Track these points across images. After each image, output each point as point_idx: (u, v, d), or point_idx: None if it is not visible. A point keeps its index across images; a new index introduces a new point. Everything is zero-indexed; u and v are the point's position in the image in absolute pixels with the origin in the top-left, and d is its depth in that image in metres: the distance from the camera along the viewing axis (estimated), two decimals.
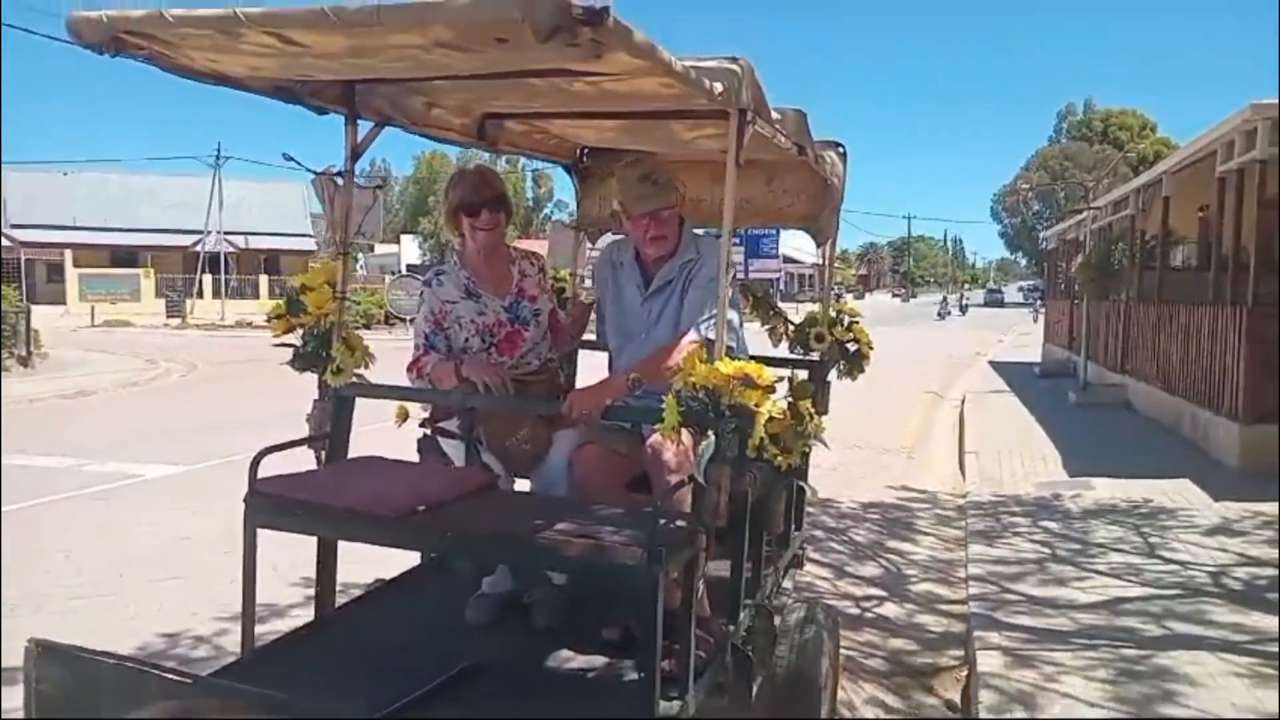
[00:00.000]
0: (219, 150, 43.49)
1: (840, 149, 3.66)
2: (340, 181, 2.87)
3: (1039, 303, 44.26)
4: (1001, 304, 68.83)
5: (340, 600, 2.92)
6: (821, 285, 4.71)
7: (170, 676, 1.82)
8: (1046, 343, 21.87)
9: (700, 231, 3.35)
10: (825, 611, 3.53)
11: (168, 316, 40.24)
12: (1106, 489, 8.33)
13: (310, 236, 51.26)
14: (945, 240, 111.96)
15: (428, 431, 3.14)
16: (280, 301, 2.94)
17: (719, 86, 2.16)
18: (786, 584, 3.78)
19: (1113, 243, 15.65)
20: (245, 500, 2.50)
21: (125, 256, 45.36)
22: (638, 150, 3.88)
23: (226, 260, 44.28)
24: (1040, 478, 9.06)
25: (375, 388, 2.95)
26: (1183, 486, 8.32)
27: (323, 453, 2.84)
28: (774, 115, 2.67)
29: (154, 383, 17.47)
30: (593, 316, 3.54)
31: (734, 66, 2.18)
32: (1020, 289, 73.95)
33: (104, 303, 40.65)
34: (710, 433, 2.28)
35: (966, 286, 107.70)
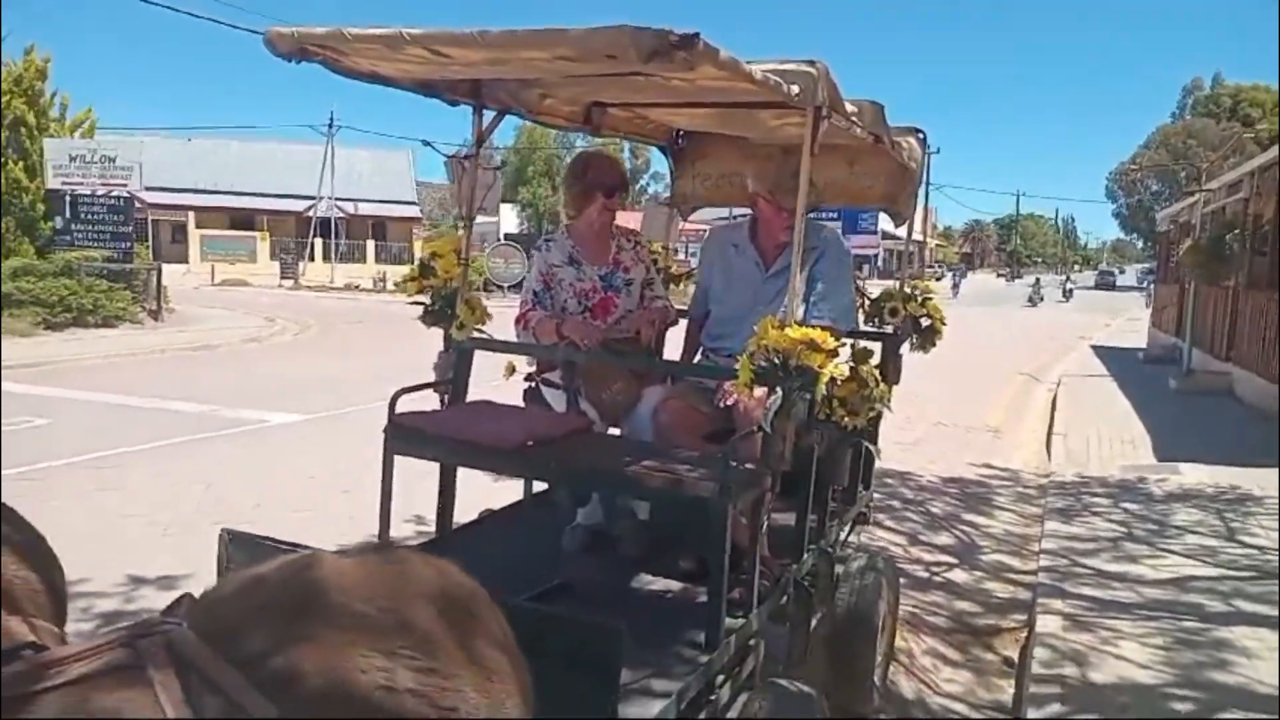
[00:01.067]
0: (332, 119, 45.24)
1: (920, 135, 3.91)
2: (467, 165, 3.29)
3: (1151, 287, 42.36)
4: (1113, 287, 66.13)
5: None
6: (917, 263, 4.96)
7: (332, 555, 2.26)
8: (1153, 328, 21.25)
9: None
10: (886, 562, 3.85)
11: (281, 277, 42.19)
12: (1193, 474, 8.30)
13: (415, 204, 53.00)
14: (1056, 219, 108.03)
15: (533, 384, 3.57)
16: (413, 267, 3.39)
17: (795, 88, 2.48)
18: (852, 538, 4.09)
19: (1225, 227, 15.16)
20: (385, 431, 2.96)
21: (243, 220, 47.59)
22: (730, 134, 4.21)
23: (337, 225, 46.06)
24: (1128, 460, 9.06)
25: (491, 342, 3.38)
26: (1273, 475, 8.23)
27: (445, 396, 3.28)
28: (851, 108, 2.97)
29: (272, 339, 18.60)
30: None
31: (810, 69, 2.50)
32: (1139, 273, 70.69)
33: (223, 263, 42.88)
34: (778, 389, 2.62)
35: (1077, 267, 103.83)
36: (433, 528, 3.37)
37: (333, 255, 45.23)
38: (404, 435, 2.93)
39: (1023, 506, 7.73)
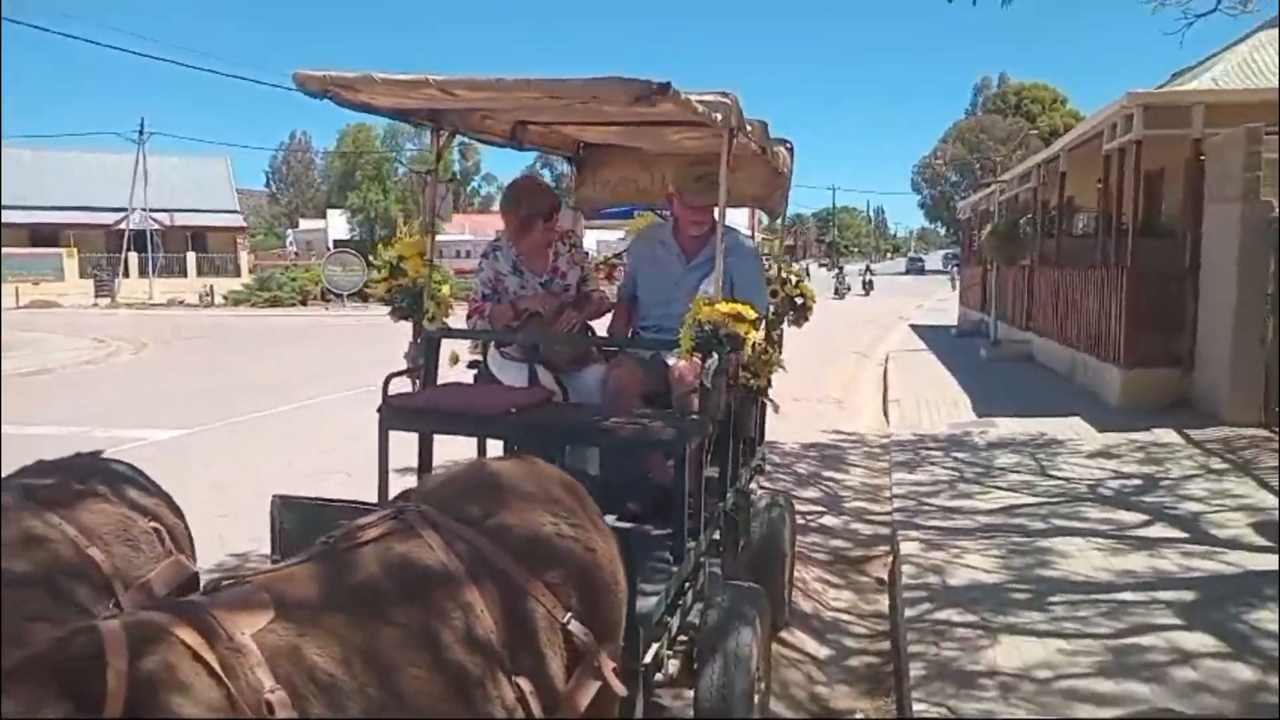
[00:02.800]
0: (143, 125, 42.82)
1: (788, 145, 4.69)
2: (429, 178, 3.80)
3: (956, 270, 45.62)
4: (922, 271, 71.11)
5: None
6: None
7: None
8: (962, 306, 23.45)
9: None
10: (786, 500, 4.62)
11: (96, 296, 39.70)
12: (1009, 426, 9.63)
13: (237, 213, 50.79)
14: (868, 211, 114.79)
15: (477, 369, 4.11)
16: (383, 264, 3.85)
17: (718, 115, 3.17)
18: (753, 486, 4.84)
19: (1019, 213, 17.11)
20: (379, 410, 3.43)
21: (46, 235, 44.31)
22: (629, 146, 4.86)
23: (152, 237, 43.61)
24: (952, 419, 10.34)
25: (458, 331, 3.88)
26: (1073, 422, 9.67)
27: (416, 380, 3.76)
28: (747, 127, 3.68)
29: (110, 360, 17.82)
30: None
31: (726, 100, 3.19)
32: (944, 257, 76.14)
33: (25, 284, 39.86)
34: (714, 353, 3.29)
35: (889, 255, 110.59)
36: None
37: (150, 270, 42.81)
38: (396, 413, 3.41)
39: (871, 463, 8.79)
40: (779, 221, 5.00)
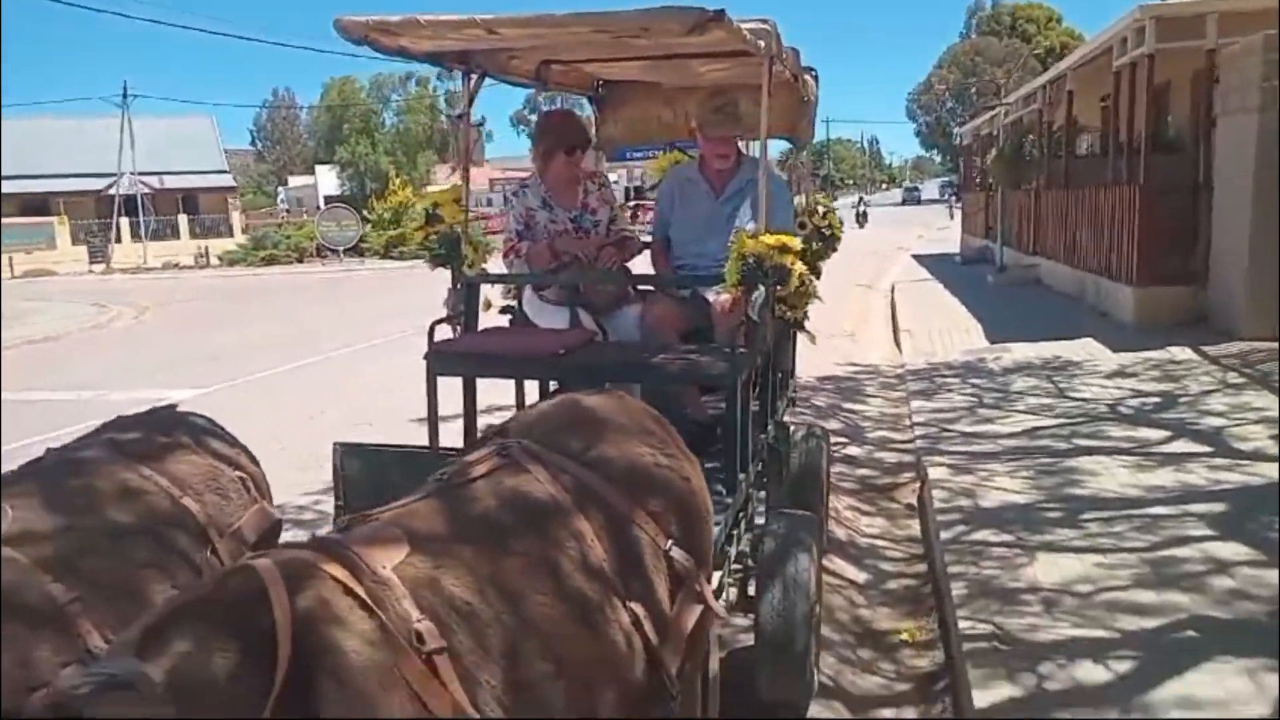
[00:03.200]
0: (126, 88, 42.18)
1: (813, 73, 4.62)
2: (459, 123, 3.78)
3: (954, 199, 44.98)
4: (919, 201, 70.51)
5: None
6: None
7: (429, 451, 2.79)
8: (965, 234, 23.33)
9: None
10: (822, 430, 4.65)
11: (91, 263, 39.50)
12: (1022, 351, 9.64)
13: (227, 173, 50.25)
14: (862, 142, 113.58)
15: (510, 314, 4.11)
16: (423, 211, 3.83)
17: (761, 43, 3.12)
18: (787, 419, 4.86)
19: (1023, 135, 16.93)
20: (425, 357, 3.43)
21: (36, 205, 43.89)
22: (650, 82, 4.79)
23: (143, 201, 43.21)
24: (965, 346, 10.36)
25: (496, 276, 3.87)
26: (1086, 344, 9.68)
27: (457, 326, 3.75)
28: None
29: (113, 324, 17.81)
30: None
31: (767, 27, 3.13)
32: (940, 186, 75.28)
33: (19, 253, 39.60)
34: (759, 286, 3.28)
35: (884, 186, 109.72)
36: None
37: (143, 234, 42.47)
38: (444, 359, 3.41)
39: (888, 393, 8.83)
40: (804, 152, 4.94)
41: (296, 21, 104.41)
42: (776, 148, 6.06)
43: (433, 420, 3.43)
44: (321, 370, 10.82)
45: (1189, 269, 9.95)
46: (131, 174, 42.15)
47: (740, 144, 4.15)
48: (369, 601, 1.41)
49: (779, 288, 3.37)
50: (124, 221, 42.74)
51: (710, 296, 3.76)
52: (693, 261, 4.01)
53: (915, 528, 5.34)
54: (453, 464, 1.89)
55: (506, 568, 1.62)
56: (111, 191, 42.52)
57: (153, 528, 1.86)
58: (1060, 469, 5.57)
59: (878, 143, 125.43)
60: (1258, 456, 5.63)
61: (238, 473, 2.20)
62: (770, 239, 3.27)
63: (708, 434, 3.72)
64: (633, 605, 1.78)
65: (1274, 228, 8.70)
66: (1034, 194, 15.56)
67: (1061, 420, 6.86)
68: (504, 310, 4.35)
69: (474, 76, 3.67)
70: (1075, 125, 14.66)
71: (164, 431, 2.19)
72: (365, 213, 38.79)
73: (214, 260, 37.36)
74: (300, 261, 36.04)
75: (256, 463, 2.44)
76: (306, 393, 9.49)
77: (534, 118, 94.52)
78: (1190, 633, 3.45)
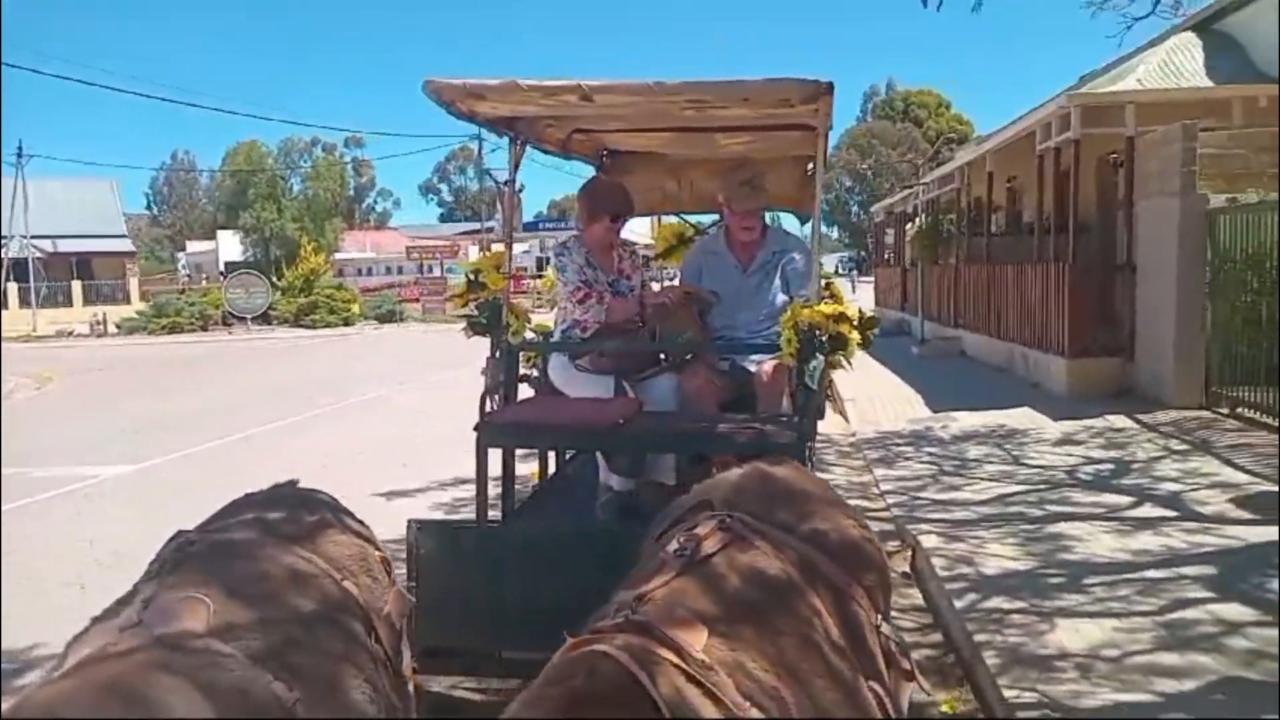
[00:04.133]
0: (20, 148, 40.48)
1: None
2: (505, 189, 3.73)
3: (855, 273, 47.02)
4: None
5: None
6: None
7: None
8: (880, 306, 24.10)
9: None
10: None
11: None
12: (967, 419, 9.93)
13: (125, 237, 48.48)
14: (763, 219, 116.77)
15: (535, 375, 4.04)
16: (461, 280, 3.74)
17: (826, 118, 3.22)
18: None
19: (940, 213, 17.72)
20: (476, 428, 3.31)
21: None
22: (655, 152, 4.84)
23: (34, 266, 41.20)
24: (910, 415, 10.61)
25: (540, 344, 3.78)
26: (1026, 413, 10.04)
27: (494, 398, 3.63)
28: None
29: (14, 396, 16.75)
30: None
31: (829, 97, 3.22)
32: (839, 260, 77.89)
33: None
34: (817, 354, 3.31)
35: None
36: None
37: (33, 300, 40.40)
38: (497, 430, 3.31)
39: (847, 461, 8.94)
40: (807, 225, 5.05)
41: (196, 82, 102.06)
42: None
43: (482, 493, 3.31)
44: (261, 443, 10.37)
45: (1117, 342, 10.47)
46: (24, 236, 40.26)
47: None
48: (712, 690, 1.33)
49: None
50: (12, 287, 40.61)
51: (751, 367, 3.77)
52: (722, 332, 4.02)
53: (916, 596, 5.36)
54: (671, 535, 1.82)
55: (783, 648, 1.55)
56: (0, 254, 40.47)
57: (331, 615, 1.71)
58: (1045, 535, 5.70)
59: (778, 219, 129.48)
60: (1224, 520, 5.89)
61: (377, 553, 2.06)
62: (827, 308, 3.31)
63: None
64: (872, 684, 1.73)
65: (1199, 304, 9.26)
66: (954, 269, 16.22)
67: (1026, 487, 7.05)
68: (521, 378, 4.27)
69: (519, 143, 3.65)
70: (992, 204, 15.44)
71: (305, 511, 2.04)
72: (274, 279, 37.90)
73: (111, 328, 35.67)
74: (205, 330, 34.77)
75: (376, 542, 2.29)
76: (250, 468, 9.05)
77: (442, 186, 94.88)
78: (1220, 696, 3.53)
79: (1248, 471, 7.08)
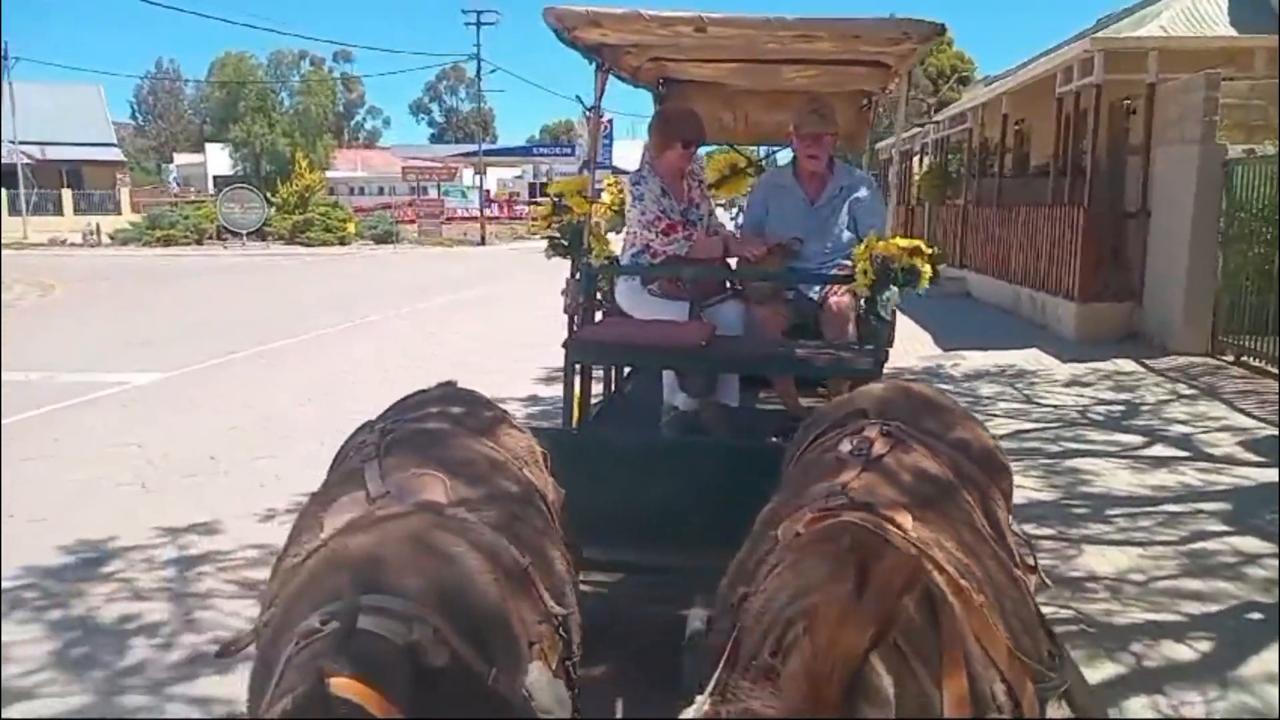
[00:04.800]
0: (5, 49, 39.48)
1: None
2: (590, 115, 3.83)
3: None
4: None
5: None
6: None
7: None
8: None
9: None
10: None
11: None
12: (976, 359, 10.16)
13: (115, 145, 47.61)
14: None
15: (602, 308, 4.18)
16: (546, 201, 3.86)
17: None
18: None
19: (950, 153, 17.73)
20: (565, 345, 3.48)
21: None
22: (711, 82, 4.90)
23: (23, 172, 40.53)
24: (920, 353, 10.83)
25: (620, 267, 3.90)
26: (1034, 354, 10.28)
27: (575, 317, 3.78)
28: None
29: (18, 304, 16.73)
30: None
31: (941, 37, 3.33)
32: None
33: None
34: (892, 285, 3.47)
35: None
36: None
37: (23, 207, 39.86)
38: (584, 347, 3.48)
39: None
40: (864, 159, 5.16)
41: None
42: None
43: (569, 403, 3.49)
44: (287, 355, 10.50)
45: (1127, 287, 10.67)
46: (11, 142, 39.48)
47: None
48: (940, 563, 1.53)
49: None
50: (2, 194, 39.98)
51: (815, 296, 3.93)
52: (796, 263, 4.15)
53: None
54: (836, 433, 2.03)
55: (960, 534, 1.74)
56: None
57: (529, 497, 1.89)
58: (1065, 470, 5.96)
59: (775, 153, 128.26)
60: (1234, 461, 6.16)
61: (538, 447, 2.23)
62: (903, 241, 3.46)
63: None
64: (1017, 574, 1.93)
65: (1211, 253, 9.45)
66: (961, 210, 16.32)
67: (1041, 425, 7.30)
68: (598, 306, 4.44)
69: (605, 70, 3.73)
70: (1005, 148, 15.47)
71: (479, 407, 2.21)
72: (269, 195, 37.48)
73: (105, 239, 35.33)
74: (200, 244, 34.49)
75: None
76: (278, 377, 9.20)
77: (433, 106, 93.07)
78: (1254, 615, 3.81)
79: (1254, 417, 7.35)
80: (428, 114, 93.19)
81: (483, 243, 37.46)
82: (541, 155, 61.84)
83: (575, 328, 3.67)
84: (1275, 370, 8.48)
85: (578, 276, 3.76)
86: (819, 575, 1.38)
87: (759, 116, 5.10)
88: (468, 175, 50.40)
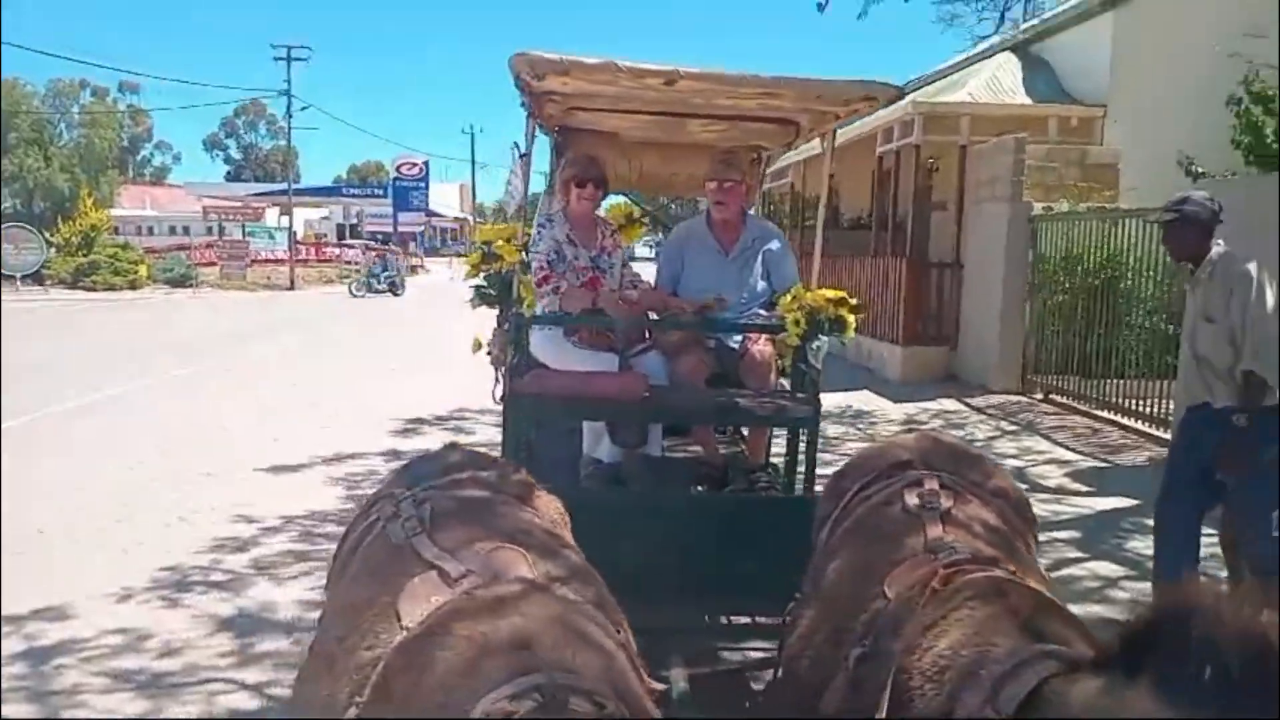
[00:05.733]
0: None
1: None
2: (523, 161, 3.71)
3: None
4: (633, 257, 73.39)
5: None
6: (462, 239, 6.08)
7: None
8: None
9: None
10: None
11: None
12: None
13: None
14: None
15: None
16: (473, 254, 3.69)
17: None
18: None
19: (776, 204, 18.61)
20: (501, 400, 3.35)
21: None
22: (606, 132, 4.92)
23: None
24: None
25: (545, 316, 3.76)
26: (866, 395, 10.87)
27: (500, 370, 3.62)
28: None
29: None
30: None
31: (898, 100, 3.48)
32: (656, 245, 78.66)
33: None
34: (820, 334, 3.57)
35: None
36: None
37: None
38: (525, 402, 3.35)
39: None
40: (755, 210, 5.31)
41: None
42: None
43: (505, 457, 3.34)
44: (95, 418, 9.52)
45: (944, 332, 11.50)
46: None
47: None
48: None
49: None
50: None
51: (734, 345, 3.98)
52: (708, 314, 4.18)
53: None
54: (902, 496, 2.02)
55: (1030, 577, 1.78)
56: None
57: (584, 568, 1.75)
58: None
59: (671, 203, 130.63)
60: (1065, 491, 6.73)
61: (559, 507, 2.10)
62: (830, 293, 3.58)
63: (722, 476, 3.95)
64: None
65: (1020, 300, 10.35)
66: None
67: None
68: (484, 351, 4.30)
69: (534, 116, 3.64)
70: (814, 200, 16.40)
71: (507, 470, 2.04)
72: (48, 235, 34.22)
73: None
74: None
75: None
76: (102, 441, 8.34)
77: (230, 141, 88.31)
78: None
79: (1071, 449, 8.07)
80: (224, 150, 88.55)
81: (291, 287, 35.69)
82: (352, 196, 60.00)
83: (504, 380, 3.54)
84: (1082, 406, 9.36)
85: (505, 327, 3.63)
86: (999, 630, 1.43)
87: (654, 168, 5.17)
88: (271, 215, 48.08)
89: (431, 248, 61.79)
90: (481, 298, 3.65)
